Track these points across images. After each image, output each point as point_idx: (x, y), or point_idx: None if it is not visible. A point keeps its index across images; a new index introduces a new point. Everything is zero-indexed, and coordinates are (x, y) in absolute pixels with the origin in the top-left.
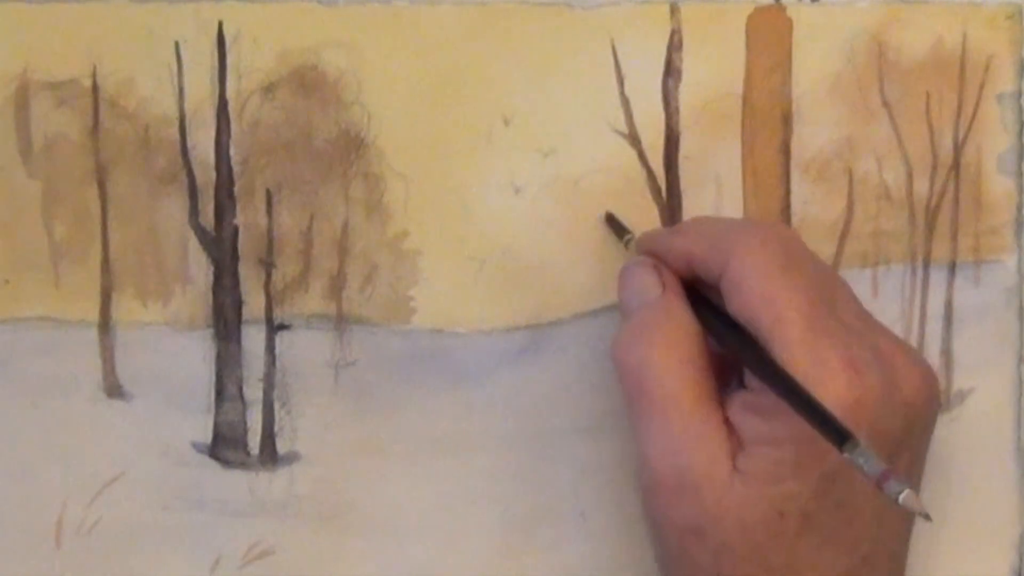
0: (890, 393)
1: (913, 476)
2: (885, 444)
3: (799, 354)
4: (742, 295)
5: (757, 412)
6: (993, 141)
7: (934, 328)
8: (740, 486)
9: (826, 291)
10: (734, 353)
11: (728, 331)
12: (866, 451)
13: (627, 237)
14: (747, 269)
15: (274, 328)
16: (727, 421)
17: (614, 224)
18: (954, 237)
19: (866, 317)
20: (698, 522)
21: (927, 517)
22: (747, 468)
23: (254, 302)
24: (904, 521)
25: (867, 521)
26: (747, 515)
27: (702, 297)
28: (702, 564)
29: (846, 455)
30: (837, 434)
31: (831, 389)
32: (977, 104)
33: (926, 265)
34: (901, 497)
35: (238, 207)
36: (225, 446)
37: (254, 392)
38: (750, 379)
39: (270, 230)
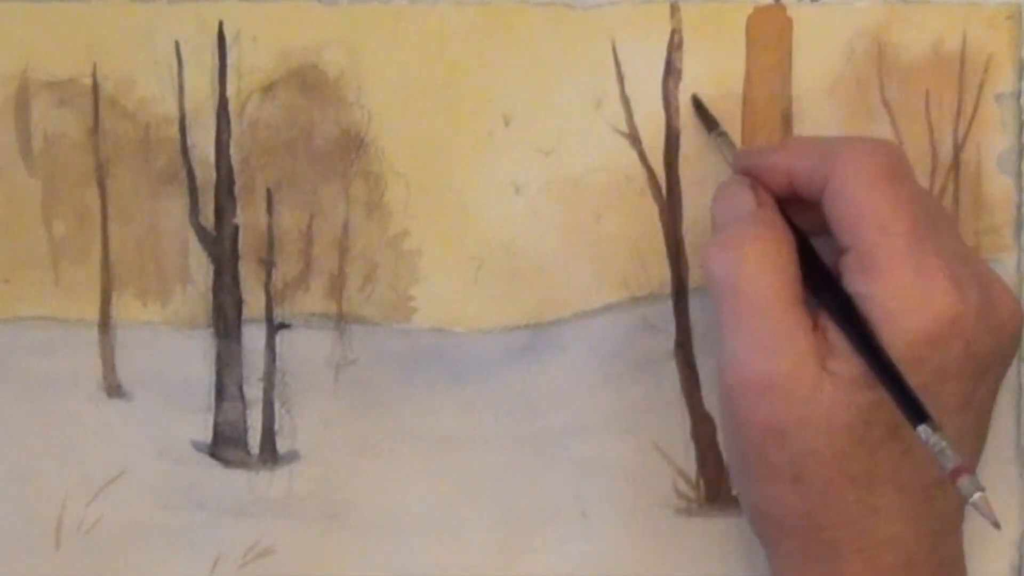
0: (987, 313)
1: (986, 406)
2: (974, 364)
3: (904, 265)
4: (846, 204)
5: None
6: (992, 141)
7: None
8: (830, 388)
9: (929, 210)
10: (827, 308)
11: (824, 290)
12: (942, 437)
13: (716, 131)
14: (852, 178)
15: (274, 327)
16: (816, 327)
17: (702, 112)
18: None
19: (964, 243)
20: (782, 424)
21: (996, 524)
22: (839, 370)
23: (254, 301)
24: (982, 442)
25: (950, 437)
26: (834, 420)
27: (808, 249)
28: (780, 466)
29: (921, 435)
30: (916, 412)
31: (935, 302)
32: (976, 104)
33: None
34: (973, 499)
35: (238, 206)
36: (225, 445)
37: (254, 391)
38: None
39: (270, 229)
